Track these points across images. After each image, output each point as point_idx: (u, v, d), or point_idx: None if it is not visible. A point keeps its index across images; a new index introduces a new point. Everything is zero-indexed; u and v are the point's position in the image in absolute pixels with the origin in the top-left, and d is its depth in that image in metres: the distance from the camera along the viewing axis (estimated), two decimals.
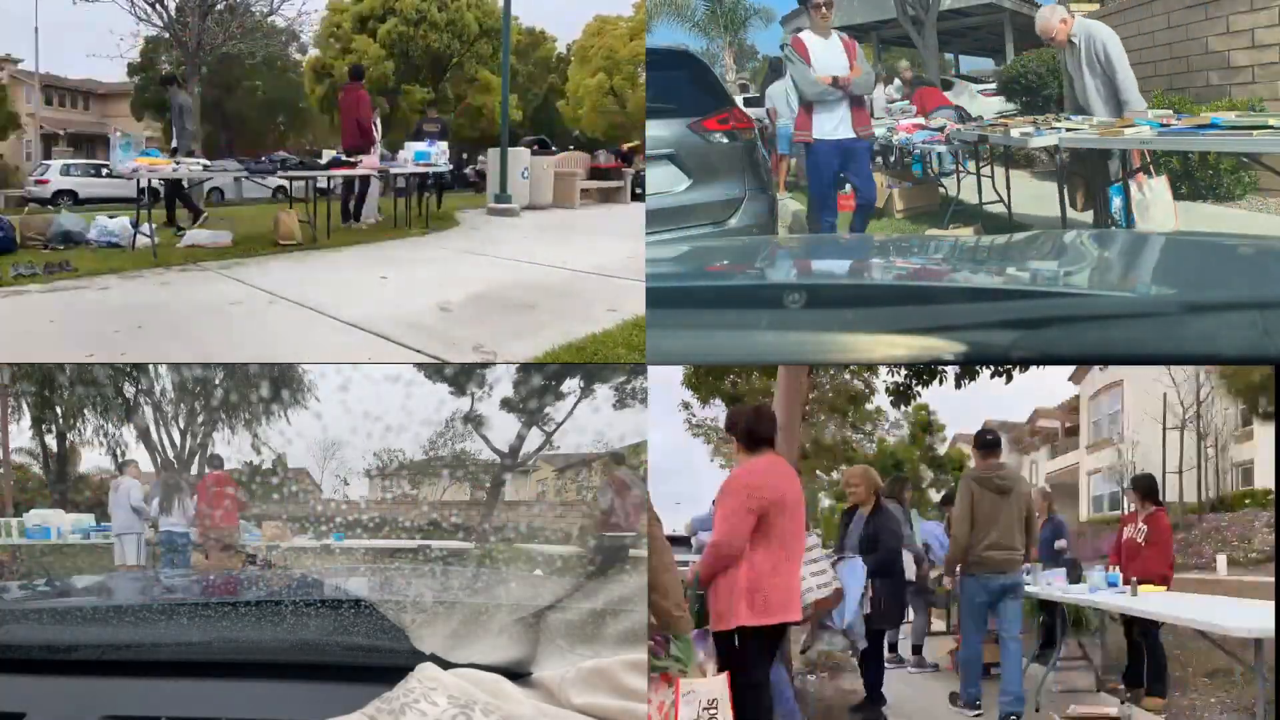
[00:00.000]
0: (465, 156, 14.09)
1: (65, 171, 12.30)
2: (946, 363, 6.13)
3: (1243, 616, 4.42)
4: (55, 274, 7.81)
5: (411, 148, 10.88)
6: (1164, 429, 10.76)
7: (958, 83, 13.15)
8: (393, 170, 10.48)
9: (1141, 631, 5.49)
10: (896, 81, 12.07)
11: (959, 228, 8.74)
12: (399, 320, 6.58)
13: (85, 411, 10.75)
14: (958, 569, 5.59)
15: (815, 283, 3.22)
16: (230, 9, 11.98)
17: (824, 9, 7.90)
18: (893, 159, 10.83)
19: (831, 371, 9.41)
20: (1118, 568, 5.71)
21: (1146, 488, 5.99)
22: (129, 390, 10.65)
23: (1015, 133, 7.76)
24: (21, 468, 10.66)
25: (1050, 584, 5.82)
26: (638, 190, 11.63)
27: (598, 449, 10.21)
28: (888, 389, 7.86)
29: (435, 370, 8.64)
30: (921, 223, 9.44)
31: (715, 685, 3.77)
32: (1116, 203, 7.76)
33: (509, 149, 11.73)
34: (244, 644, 2.14)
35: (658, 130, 7.04)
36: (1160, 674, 5.48)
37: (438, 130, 11.31)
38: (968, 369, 6.83)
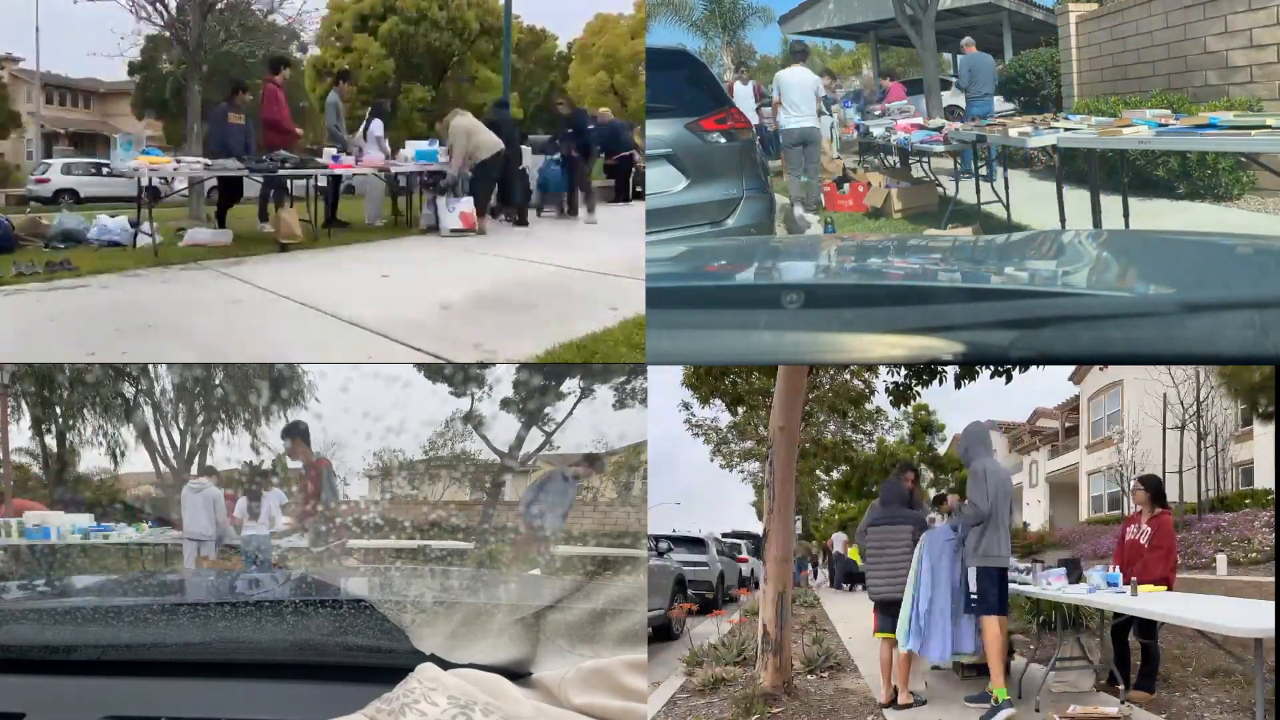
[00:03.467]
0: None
1: (66, 170, 12.31)
2: (945, 363, 6.13)
3: (1243, 616, 4.42)
4: (56, 273, 7.80)
5: (412, 146, 10.87)
6: (1164, 429, 10.77)
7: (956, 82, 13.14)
8: (394, 170, 10.47)
9: (1141, 631, 5.49)
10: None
11: (957, 228, 8.75)
12: (399, 319, 6.58)
13: (85, 411, 10.77)
14: None
15: (814, 282, 3.22)
16: (231, 8, 11.97)
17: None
18: (893, 159, 10.84)
19: (831, 371, 9.41)
20: (1118, 568, 5.70)
21: (1155, 489, 5.94)
22: (128, 390, 10.66)
23: (1013, 132, 7.76)
24: (21, 468, 10.67)
25: (1050, 584, 5.82)
26: (638, 189, 11.63)
27: (598, 449, 10.22)
28: (888, 389, 7.85)
29: (435, 370, 8.65)
30: (920, 223, 9.45)
31: None
32: None
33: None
34: (244, 644, 2.14)
35: (656, 130, 7.03)
36: (1151, 671, 5.50)
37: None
38: (967, 369, 6.83)
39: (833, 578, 13.25)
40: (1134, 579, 5.32)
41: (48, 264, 7.95)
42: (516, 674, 2.04)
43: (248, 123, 9.89)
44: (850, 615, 8.91)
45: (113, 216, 9.25)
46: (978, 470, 5.42)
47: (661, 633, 7.61)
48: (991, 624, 5.30)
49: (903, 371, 7.44)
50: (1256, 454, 10.25)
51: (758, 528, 10.02)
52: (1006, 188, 8.75)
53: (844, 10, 15.18)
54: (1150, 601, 5.10)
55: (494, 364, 7.28)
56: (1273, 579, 7.26)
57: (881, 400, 9.55)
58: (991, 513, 5.36)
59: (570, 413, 9.91)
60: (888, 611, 5.80)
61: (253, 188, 10.03)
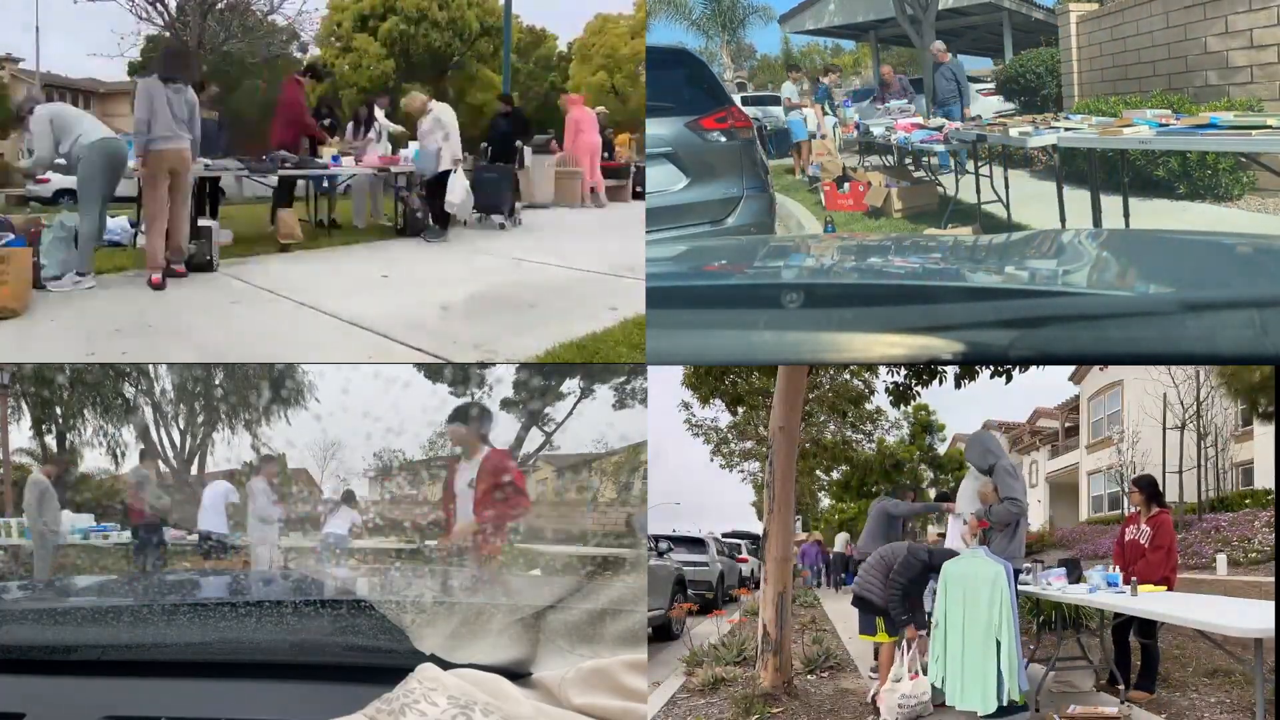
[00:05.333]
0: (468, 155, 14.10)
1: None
2: (945, 362, 6.13)
3: (1243, 616, 4.42)
4: None
5: (413, 146, 10.87)
6: (1164, 429, 10.76)
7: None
8: (394, 171, 10.47)
9: (1141, 631, 5.49)
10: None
11: (957, 227, 8.75)
12: (400, 319, 6.58)
13: (85, 412, 10.77)
14: None
15: (813, 282, 3.22)
16: (231, 8, 11.98)
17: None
18: (892, 158, 10.84)
19: (831, 371, 9.41)
20: (1118, 568, 5.70)
21: (1150, 489, 5.93)
22: (129, 390, 10.66)
23: (1014, 132, 7.76)
24: (22, 468, 10.68)
25: (1050, 584, 5.81)
26: (637, 189, 11.62)
27: (598, 449, 10.21)
28: (888, 389, 7.85)
29: (435, 370, 8.64)
30: (920, 222, 9.45)
31: None
32: None
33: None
34: (244, 644, 2.14)
35: (656, 129, 7.04)
36: (1151, 671, 5.50)
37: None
38: (967, 369, 6.83)
39: (829, 577, 13.23)
40: (1134, 579, 5.32)
41: None
42: (516, 674, 2.04)
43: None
44: (850, 615, 8.91)
45: (113, 217, 9.23)
46: (1008, 467, 5.37)
47: (661, 633, 7.61)
48: None
49: (903, 371, 7.44)
50: (1256, 454, 10.25)
51: (758, 528, 10.01)
52: (1006, 187, 8.75)
53: (845, 10, 15.18)
54: (1150, 601, 5.10)
55: (494, 364, 7.26)
56: (1273, 579, 7.26)
57: (881, 400, 9.56)
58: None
59: (571, 412, 9.91)
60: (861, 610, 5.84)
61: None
